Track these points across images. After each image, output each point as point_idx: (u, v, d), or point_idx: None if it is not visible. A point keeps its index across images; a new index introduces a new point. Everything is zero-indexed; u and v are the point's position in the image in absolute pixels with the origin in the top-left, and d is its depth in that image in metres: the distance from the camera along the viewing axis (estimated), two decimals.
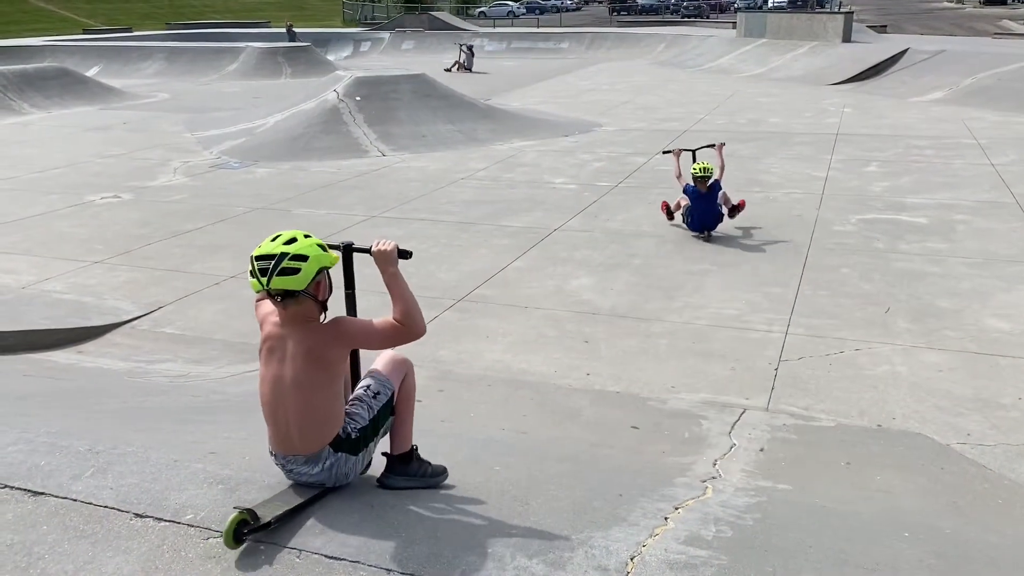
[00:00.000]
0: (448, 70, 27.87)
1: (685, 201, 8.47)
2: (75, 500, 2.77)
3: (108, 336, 6.24)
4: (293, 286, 2.68)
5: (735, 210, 8.46)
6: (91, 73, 26.10)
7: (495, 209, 9.84)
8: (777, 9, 58.04)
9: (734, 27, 33.07)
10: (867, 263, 7.54)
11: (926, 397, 5.02)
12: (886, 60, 22.10)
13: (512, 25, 53.39)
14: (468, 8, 69.19)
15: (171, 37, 38.92)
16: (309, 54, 29.23)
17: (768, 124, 15.71)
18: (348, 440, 2.81)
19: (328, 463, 2.79)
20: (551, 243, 8.42)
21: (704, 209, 8.30)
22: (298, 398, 2.74)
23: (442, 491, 3.06)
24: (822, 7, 59.46)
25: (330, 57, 32.73)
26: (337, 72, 18.20)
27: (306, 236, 2.78)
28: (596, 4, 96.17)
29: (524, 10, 73.89)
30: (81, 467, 2.98)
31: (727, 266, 7.56)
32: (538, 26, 47.89)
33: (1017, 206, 9.39)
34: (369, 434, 2.86)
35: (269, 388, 2.80)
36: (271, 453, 2.88)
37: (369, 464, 2.96)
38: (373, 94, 14.91)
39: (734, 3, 69.14)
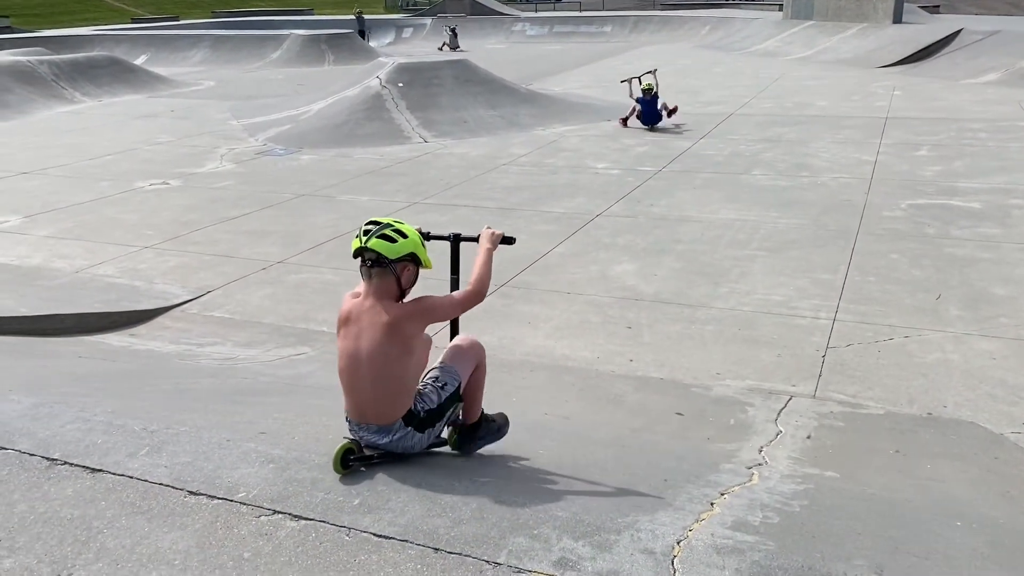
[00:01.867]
0: (440, 49, 31.30)
1: (638, 108, 13.58)
2: (131, 477, 2.85)
3: (159, 320, 6.38)
4: (386, 252, 2.91)
5: (671, 112, 13.64)
6: (139, 61, 26.59)
7: (537, 195, 9.83)
8: None
9: (780, 9, 32.47)
10: (917, 249, 7.39)
11: (979, 385, 4.92)
12: (938, 41, 21.55)
13: (554, 9, 53.09)
14: None
15: (216, 25, 39.46)
16: (352, 41, 29.41)
17: (815, 108, 15.43)
18: (417, 418, 3.00)
19: (397, 436, 2.98)
20: (594, 228, 8.40)
21: (649, 112, 13.50)
22: (373, 369, 2.91)
23: (486, 476, 3.08)
24: None
25: (372, 43, 32.88)
26: (380, 59, 18.29)
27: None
28: None
29: None
30: (137, 445, 3.07)
31: (774, 251, 7.47)
32: (580, 10, 47.55)
33: None
34: (435, 417, 3.05)
35: (347, 360, 2.98)
36: (347, 419, 3.06)
37: (433, 442, 3.14)
38: (415, 80, 14.96)
39: None
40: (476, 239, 3.28)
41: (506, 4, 52.71)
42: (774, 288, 6.58)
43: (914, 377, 5.05)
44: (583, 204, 9.33)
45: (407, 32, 38.39)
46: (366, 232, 2.93)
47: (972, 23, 24.22)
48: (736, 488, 3.12)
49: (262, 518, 2.64)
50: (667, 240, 7.92)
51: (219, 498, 2.73)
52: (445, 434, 3.22)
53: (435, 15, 40.36)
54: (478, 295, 3.05)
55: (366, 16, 37.83)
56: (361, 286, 3.01)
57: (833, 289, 6.50)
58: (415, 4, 61.07)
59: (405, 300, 2.97)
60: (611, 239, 8.01)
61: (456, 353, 3.13)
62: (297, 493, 2.75)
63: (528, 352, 5.60)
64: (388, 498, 2.74)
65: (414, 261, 2.99)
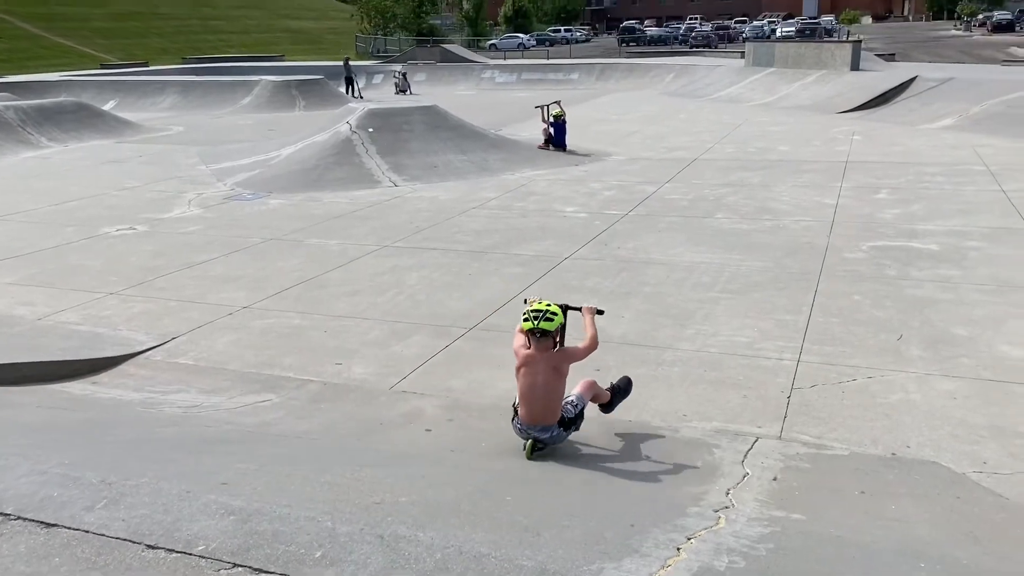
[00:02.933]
0: (396, 94, 32.85)
1: (551, 132, 16.43)
2: (87, 532, 2.77)
3: (122, 367, 6.27)
4: (548, 328, 4.64)
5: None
6: (107, 107, 26.49)
7: (506, 238, 9.87)
8: (785, 39, 58.41)
9: (742, 57, 33.27)
10: (879, 290, 7.50)
11: (941, 425, 4.97)
12: (895, 88, 22.15)
13: (522, 57, 53.83)
14: (479, 41, 69.99)
15: (187, 71, 39.50)
16: (322, 87, 29.57)
17: (777, 152, 15.74)
18: (564, 421, 4.68)
19: (553, 433, 4.65)
20: (562, 271, 8.43)
21: (559, 136, 16.40)
22: (545, 394, 4.60)
23: (453, 523, 3.04)
24: (830, 36, 59.86)
25: (342, 90, 33.09)
26: (350, 104, 18.41)
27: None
28: (605, 36, 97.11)
29: (534, 42, 74.66)
30: (94, 498, 2.99)
31: (738, 293, 7.54)
32: (548, 58, 48.26)
33: None
34: (572, 423, 4.74)
35: (527, 388, 4.61)
36: (516, 425, 4.70)
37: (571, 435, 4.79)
38: (385, 126, 15.05)
39: (742, 33, 69.59)
40: (579, 309, 5.05)
41: (475, 52, 53.48)
42: (739, 330, 6.63)
43: (877, 417, 5.09)
44: (552, 247, 9.39)
45: (378, 78, 38.70)
46: (535, 318, 4.63)
47: (926, 70, 24.96)
48: (703, 532, 3.10)
49: (221, 572, 2.57)
50: (633, 282, 7.97)
51: (177, 551, 2.66)
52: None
53: (405, 62, 40.76)
54: (595, 343, 4.79)
55: (353, 63, 38.15)
56: (520, 339, 4.76)
57: (797, 330, 6.57)
58: (386, 51, 61.72)
59: (556, 350, 4.71)
60: (579, 281, 8.04)
61: (583, 387, 4.90)
62: (258, 545, 2.69)
63: (498, 396, 5.57)
64: (351, 550, 2.69)
65: (561, 327, 4.75)
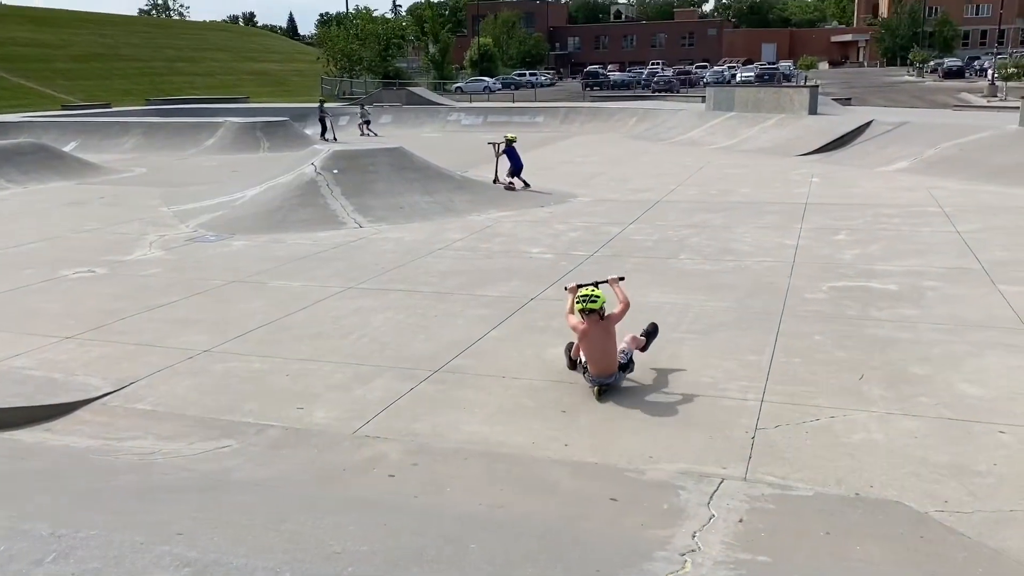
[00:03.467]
0: (362, 135, 32.84)
1: (506, 160, 17.27)
2: None
3: (77, 413, 6.11)
4: (594, 307, 6.16)
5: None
6: (68, 148, 26.21)
7: (472, 279, 9.87)
8: (745, 84, 59.82)
9: (703, 101, 33.93)
10: (840, 330, 7.60)
11: (903, 464, 5.01)
12: (851, 131, 22.71)
13: (488, 100, 54.48)
14: (445, 84, 70.61)
15: (150, 113, 39.32)
16: (287, 129, 29.58)
17: (739, 194, 16.00)
18: (622, 366, 6.27)
19: (614, 377, 6.20)
20: (528, 312, 8.44)
21: (515, 162, 17.09)
22: (605, 352, 6.14)
23: (416, 572, 2.98)
24: (788, 81, 61.37)
25: (308, 131, 33.13)
26: (315, 146, 18.40)
27: (597, 285, 6.47)
28: (570, 80, 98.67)
29: (499, 86, 75.58)
30: (43, 552, 2.88)
31: (702, 334, 7.60)
32: (513, 101, 48.88)
33: (984, 272, 9.56)
34: (626, 368, 6.35)
35: (591, 351, 6.16)
36: (588, 379, 6.23)
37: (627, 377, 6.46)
38: (350, 167, 15.05)
39: (703, 78, 71.11)
40: (607, 282, 6.79)
41: (441, 95, 53.96)
42: (703, 370, 6.66)
43: (841, 457, 5.12)
44: (518, 288, 9.40)
45: (343, 120, 38.79)
46: (583, 301, 6.19)
47: (881, 115, 25.66)
48: None
49: None
50: None
51: None
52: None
53: (371, 104, 40.96)
54: (627, 303, 6.54)
55: (327, 104, 38.27)
56: (573, 318, 6.37)
57: (760, 370, 6.61)
58: (352, 93, 62.05)
59: (603, 319, 6.22)
60: (545, 322, 8.05)
61: (629, 341, 6.49)
62: None
63: (463, 439, 5.52)
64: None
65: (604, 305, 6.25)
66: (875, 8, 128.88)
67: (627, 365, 6.37)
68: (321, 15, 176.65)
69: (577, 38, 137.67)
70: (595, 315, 6.17)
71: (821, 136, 23.01)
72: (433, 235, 12.64)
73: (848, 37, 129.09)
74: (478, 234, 12.69)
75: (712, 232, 12.39)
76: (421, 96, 43.76)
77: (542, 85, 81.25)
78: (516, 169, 17.20)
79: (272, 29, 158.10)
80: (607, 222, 13.36)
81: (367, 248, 11.82)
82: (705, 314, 8.22)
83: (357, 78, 68.89)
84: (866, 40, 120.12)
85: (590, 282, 6.61)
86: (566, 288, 6.76)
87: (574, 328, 6.28)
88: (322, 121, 32.82)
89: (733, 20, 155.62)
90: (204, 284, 9.87)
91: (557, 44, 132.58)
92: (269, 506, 4.03)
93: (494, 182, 17.37)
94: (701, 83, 67.18)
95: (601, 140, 29.47)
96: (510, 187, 16.97)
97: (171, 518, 3.36)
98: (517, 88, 73.06)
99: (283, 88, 76.09)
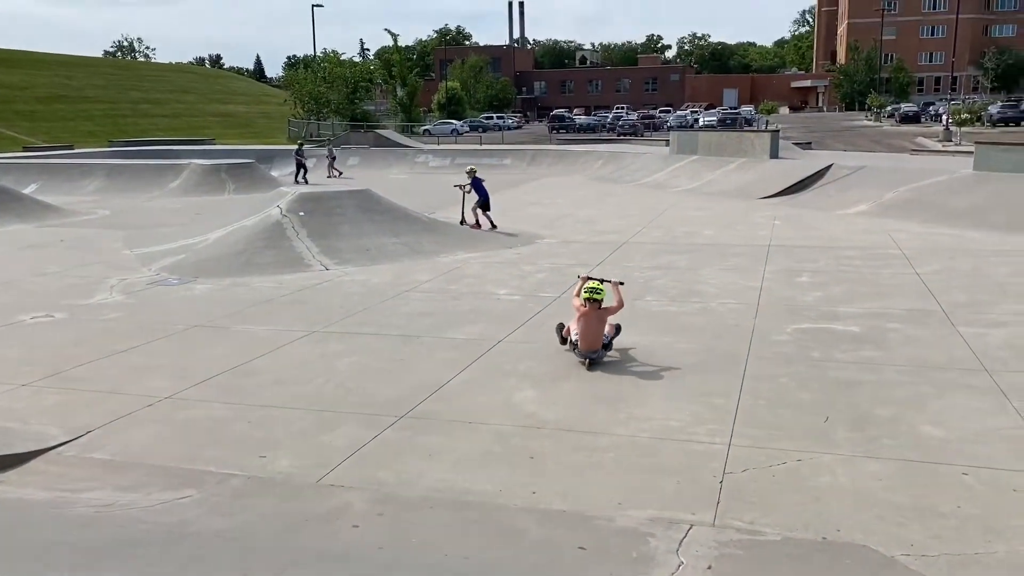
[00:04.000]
0: (329, 177, 33.10)
1: (471, 192, 17.59)
2: None
3: (31, 464, 5.94)
4: (598, 298, 7.88)
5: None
6: (28, 190, 25.85)
7: (439, 321, 9.84)
8: (708, 128, 60.98)
9: (667, 145, 34.49)
10: (804, 372, 7.68)
11: (868, 507, 5.03)
12: (812, 175, 23.17)
13: (456, 142, 54.86)
14: (413, 127, 71.09)
15: (113, 155, 38.99)
16: (253, 171, 29.49)
17: (703, 236, 16.21)
18: (604, 345, 7.94)
19: (598, 354, 7.83)
20: (496, 355, 8.41)
21: (482, 195, 17.50)
22: (595, 333, 7.79)
23: None
24: (750, 126, 62.67)
25: (274, 173, 33.08)
26: (281, 188, 18.34)
27: (603, 282, 8.24)
28: (536, 123, 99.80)
29: (467, 128, 76.32)
30: None
31: (669, 377, 7.62)
32: (481, 143, 49.32)
33: (943, 314, 9.74)
34: (607, 347, 7.99)
35: (585, 330, 7.77)
36: (577, 353, 7.89)
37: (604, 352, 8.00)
38: (317, 209, 15.02)
39: (667, 122, 72.37)
40: (610, 282, 8.46)
41: (409, 137, 54.27)
42: (671, 413, 6.67)
43: (808, 501, 5.13)
44: (485, 330, 9.38)
45: (310, 162, 38.76)
46: (590, 292, 7.93)
47: (841, 159, 26.25)
48: None
49: None
50: (567, 366, 7.98)
51: None
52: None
53: (338, 146, 41.04)
54: (621, 304, 8.30)
55: (285, 147, 38.20)
56: (578, 301, 8.06)
57: (727, 413, 6.64)
58: (319, 136, 62.16)
59: (601, 308, 7.89)
60: (513, 366, 8.03)
61: (612, 329, 8.16)
62: None
63: (429, 487, 5.45)
64: None
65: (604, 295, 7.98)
66: (833, 55, 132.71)
67: (608, 345, 8.07)
68: (288, 57, 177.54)
69: (543, 82, 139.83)
70: (595, 304, 7.94)
71: (782, 179, 23.45)
72: (400, 277, 12.61)
73: (808, 83, 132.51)
74: (445, 276, 12.68)
75: (678, 274, 12.51)
76: (389, 138, 44.03)
77: (509, 128, 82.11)
78: (483, 202, 17.50)
79: (239, 71, 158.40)
80: (574, 263, 13.43)
81: (333, 291, 11.75)
82: (672, 356, 8.26)
83: (324, 120, 69.11)
84: (825, 86, 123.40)
85: (599, 277, 8.53)
86: (579, 276, 8.97)
87: (577, 309, 8.05)
88: (300, 165, 32.40)
89: (695, 66, 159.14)
90: (166, 329, 9.72)
91: (524, 88, 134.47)
92: (230, 559, 3.93)
93: (461, 223, 17.52)
94: (665, 127, 68.36)
95: (567, 182, 29.77)
96: (476, 226, 17.20)
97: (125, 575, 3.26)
98: (485, 131, 73.79)
99: (250, 130, 76.12)
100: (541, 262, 13.75)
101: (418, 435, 6.34)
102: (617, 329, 8.38)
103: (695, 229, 17.14)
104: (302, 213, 14.79)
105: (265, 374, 7.93)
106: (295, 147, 35.79)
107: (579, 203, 22.68)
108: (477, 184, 17.62)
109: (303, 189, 16.32)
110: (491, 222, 17.51)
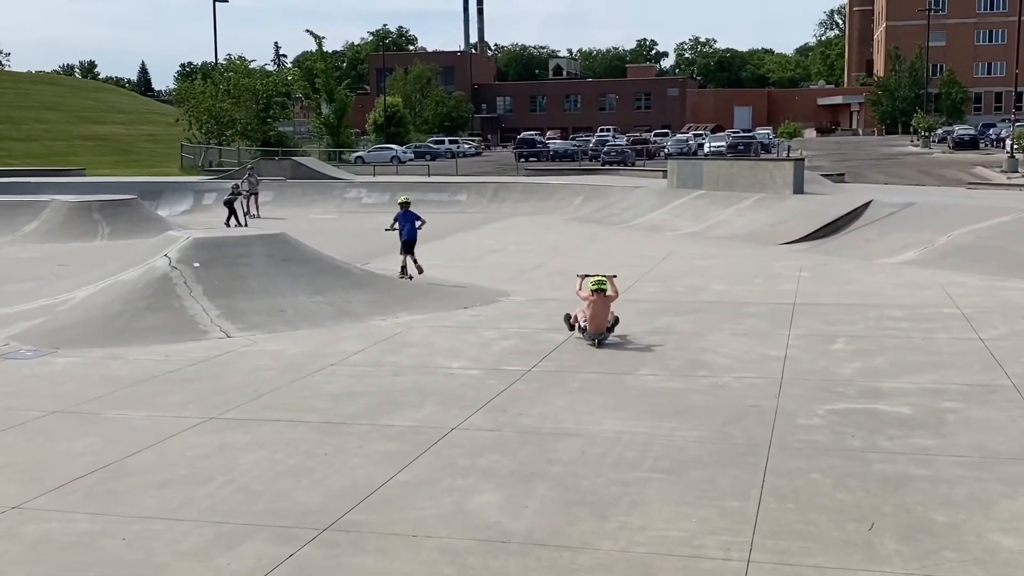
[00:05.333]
0: (246, 214, 33.49)
1: (395, 224, 18.99)
2: None
3: None
4: (605, 288, 12.49)
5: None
6: None
7: (374, 403, 9.78)
8: (715, 155, 62.09)
9: (665, 177, 35.06)
10: (842, 466, 7.72)
11: None
12: (847, 215, 23.65)
13: (397, 173, 55.26)
14: (342, 153, 71.61)
15: None
16: (135, 209, 29.40)
17: (711, 292, 16.39)
18: (609, 328, 12.53)
19: (604, 336, 12.40)
20: (447, 447, 8.36)
21: (409, 232, 18.60)
22: (602, 317, 12.39)
23: None
24: (768, 153, 63.96)
25: (162, 213, 33.00)
26: (170, 232, 18.28)
27: (608, 277, 12.81)
28: (500, 149, 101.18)
29: (411, 155, 77.19)
30: None
31: (671, 473, 7.62)
32: (429, 174, 49.71)
33: (1014, 390, 9.90)
34: (611, 329, 12.57)
35: (594, 315, 12.31)
36: (587, 336, 12.42)
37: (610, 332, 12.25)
38: (216, 259, 14.97)
39: (663, 148, 73.64)
40: (608, 277, 12.81)
41: (337, 166, 54.58)
42: (673, 521, 6.65)
43: None
44: (434, 415, 9.35)
45: (209, 198, 38.81)
46: (598, 284, 12.43)
47: (882, 194, 26.87)
48: None
49: None
50: (540, 460, 7.96)
51: None
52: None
53: (260, 175, 41.04)
54: (616, 293, 12.81)
55: (179, 179, 38.00)
56: (585, 291, 12.57)
57: (745, 521, 6.64)
58: (220, 164, 62.25)
59: (606, 295, 12.49)
60: (470, 460, 7.99)
61: (613, 317, 12.58)
62: None
63: None
64: None
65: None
66: (869, 65, 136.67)
67: (612, 327, 12.48)
68: (183, 66, 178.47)
69: (508, 98, 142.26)
70: (602, 293, 12.34)
71: (809, 220, 23.89)
72: (324, 346, 12.55)
73: (838, 99, 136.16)
74: (383, 344, 12.65)
75: (680, 340, 12.60)
76: (311, 168, 44.30)
77: (465, 155, 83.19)
78: (408, 240, 18.51)
79: (118, 82, 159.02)
80: (547, 327, 13.49)
81: (237, 365, 11.65)
82: (674, 447, 8.27)
83: (228, 145, 69.33)
84: (860, 103, 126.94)
85: (596, 274, 12.78)
86: (578, 275, 13.36)
87: (585, 299, 12.49)
88: (229, 205, 31.55)
89: (698, 78, 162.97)
90: (15, 416, 9.55)
91: (484, 105, 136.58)
92: None
93: (401, 276, 17.81)
94: (661, 154, 69.64)
95: (539, 224, 30.07)
96: (403, 275, 17.87)
97: None
98: (434, 158, 74.64)
99: (131, 157, 75.92)
100: (506, 326, 13.79)
101: (345, 555, 6.24)
102: (616, 319, 12.62)
103: (701, 283, 17.34)
104: (197, 264, 14.73)
105: (145, 474, 7.80)
106: (192, 179, 35.76)
107: (554, 250, 22.87)
108: (407, 218, 18.65)
109: (198, 234, 16.24)
110: (416, 265, 18.19)
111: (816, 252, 21.41)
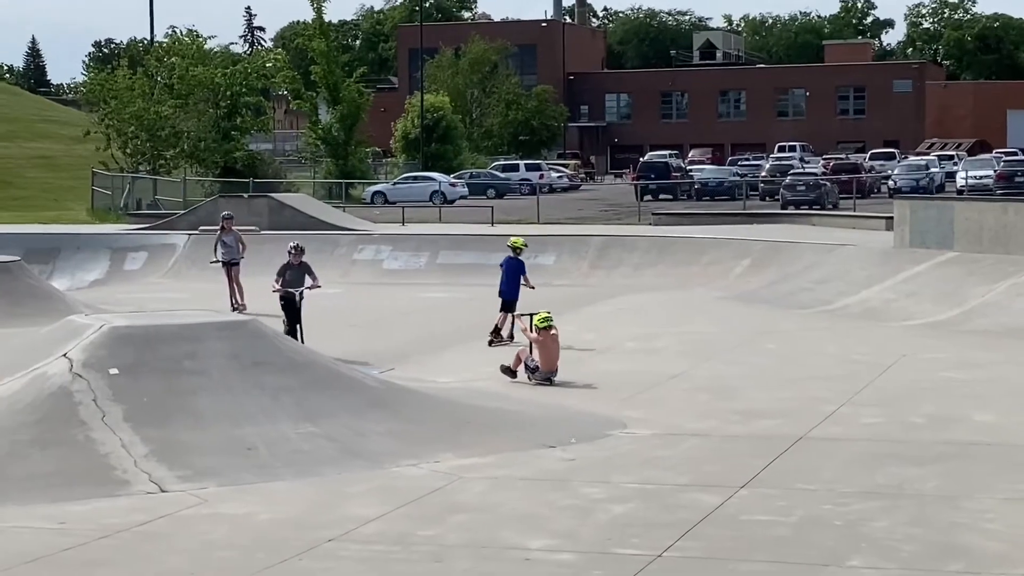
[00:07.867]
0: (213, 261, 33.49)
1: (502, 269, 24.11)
2: None
3: None
4: (553, 324, 21.08)
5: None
6: None
7: None
8: (975, 192, 61.21)
9: (889, 228, 34.76)
10: None
11: None
12: None
13: (441, 219, 55.54)
14: (351, 185, 71.75)
15: None
16: (16, 279, 29.83)
17: (970, 425, 16.16)
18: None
19: (555, 372, 21.22)
20: None
21: (510, 288, 23.19)
22: (556, 353, 20.90)
23: None
24: None
25: (59, 284, 33.57)
26: (73, 317, 18.55)
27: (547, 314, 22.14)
28: (609, 177, 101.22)
29: (464, 189, 76.75)
30: None
31: None
32: (493, 222, 49.79)
33: None
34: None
35: (551, 356, 20.65)
36: (540, 376, 20.55)
37: None
38: (146, 362, 15.15)
39: (887, 179, 72.96)
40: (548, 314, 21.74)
41: (342, 207, 54.95)
42: None
43: None
44: None
45: (135, 260, 39.45)
46: (547, 322, 20.59)
47: None
48: None
49: None
50: None
51: None
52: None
53: (196, 228, 41.48)
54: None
55: (92, 229, 38.72)
56: (535, 333, 20.86)
57: None
58: (153, 205, 62.72)
59: (554, 333, 21.55)
60: None
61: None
62: None
63: None
64: None
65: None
66: None
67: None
68: (96, 45, 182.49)
69: (624, 96, 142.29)
70: (550, 330, 19.60)
71: None
72: (319, 509, 12.58)
73: None
74: (415, 506, 12.63)
75: (918, 507, 12.37)
76: (301, 211, 44.73)
77: (552, 188, 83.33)
78: (508, 299, 21.01)
79: None
80: (690, 482, 13.37)
81: (176, 539, 11.70)
82: None
83: (168, 173, 69.76)
84: None
85: (538, 313, 19.39)
86: (518, 317, 20.46)
87: (535, 340, 20.05)
88: (290, 305, 31.89)
89: (947, 64, 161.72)
90: None
91: (584, 108, 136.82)
92: None
93: (493, 340, 20.17)
94: (884, 188, 69.08)
95: (676, 304, 30.06)
96: (497, 339, 19.91)
97: None
98: (500, 194, 74.89)
99: (11, 192, 77.45)
100: (620, 478, 13.70)
101: None
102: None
103: (953, 410, 17.11)
104: (115, 370, 14.88)
105: None
106: (109, 229, 36.38)
107: (701, 348, 22.78)
108: (514, 268, 21.03)
109: (117, 320, 16.46)
110: (511, 333, 20.05)
111: None
